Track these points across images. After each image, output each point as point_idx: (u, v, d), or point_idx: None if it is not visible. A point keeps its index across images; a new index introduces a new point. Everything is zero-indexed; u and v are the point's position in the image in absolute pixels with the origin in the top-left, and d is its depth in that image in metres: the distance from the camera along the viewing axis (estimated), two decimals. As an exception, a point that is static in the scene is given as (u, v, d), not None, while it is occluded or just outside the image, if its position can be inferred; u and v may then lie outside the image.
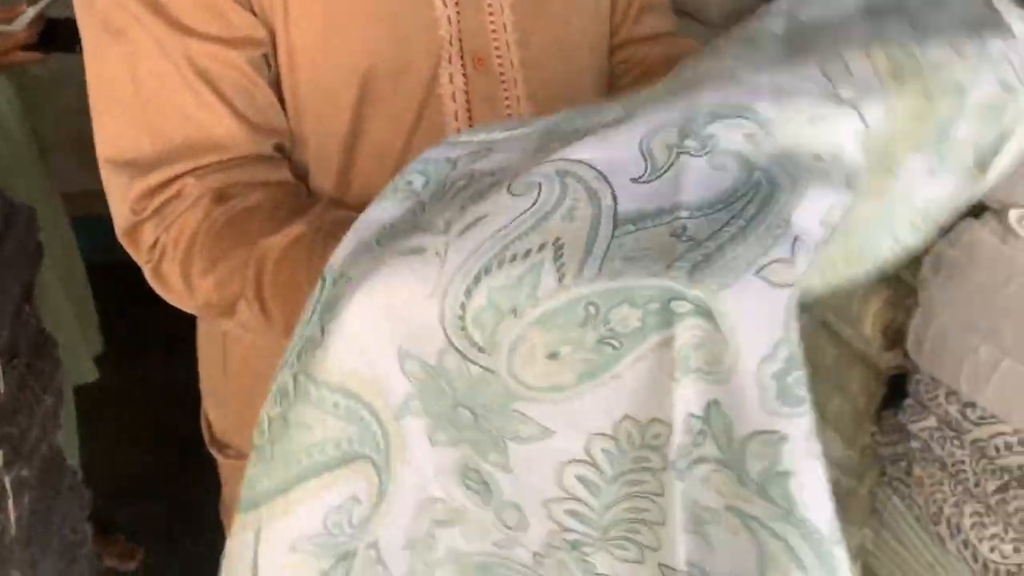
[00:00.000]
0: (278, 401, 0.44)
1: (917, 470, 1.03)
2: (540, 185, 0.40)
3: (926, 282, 1.00)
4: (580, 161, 0.40)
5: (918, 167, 0.56)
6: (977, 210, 0.97)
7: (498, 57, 0.76)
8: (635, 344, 0.38)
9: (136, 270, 0.69)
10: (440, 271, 0.39)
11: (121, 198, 0.67)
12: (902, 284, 1.10)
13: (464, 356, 0.40)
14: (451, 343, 0.40)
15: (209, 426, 0.93)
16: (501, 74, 0.77)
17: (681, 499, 0.41)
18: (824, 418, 1.30)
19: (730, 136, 0.41)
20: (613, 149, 0.41)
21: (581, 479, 0.42)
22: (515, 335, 0.39)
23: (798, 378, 0.38)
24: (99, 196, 0.71)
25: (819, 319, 1.25)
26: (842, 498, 1.24)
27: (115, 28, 0.64)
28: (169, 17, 0.64)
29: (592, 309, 0.38)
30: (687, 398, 0.39)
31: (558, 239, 0.38)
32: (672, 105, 0.43)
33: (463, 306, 0.39)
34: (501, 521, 0.46)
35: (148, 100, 0.65)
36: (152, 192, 0.66)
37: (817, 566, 0.40)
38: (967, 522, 0.95)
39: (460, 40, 0.74)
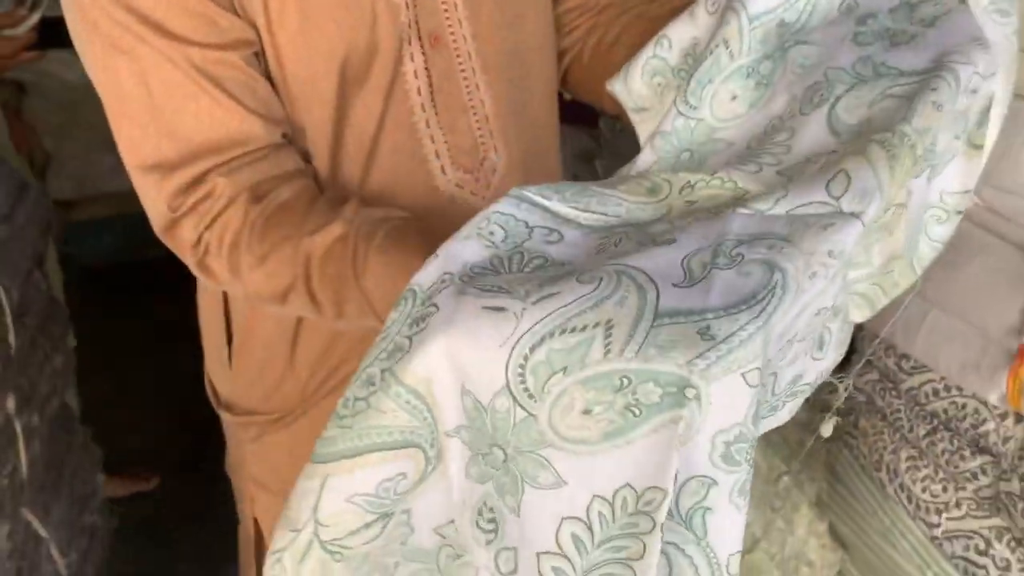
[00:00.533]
0: (365, 386, 0.54)
1: (862, 421, 1.09)
2: (602, 278, 0.50)
3: (866, 243, 1.07)
4: (635, 267, 0.51)
5: (919, 184, 0.66)
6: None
7: (451, 34, 0.82)
8: (652, 415, 0.48)
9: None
10: (515, 329, 0.49)
11: (155, 199, 0.72)
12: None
13: (515, 399, 0.49)
14: (508, 386, 0.49)
15: (215, 391, 0.99)
16: (456, 50, 0.82)
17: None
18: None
19: (755, 250, 0.52)
20: (661, 261, 0.51)
21: (574, 537, 0.51)
22: (561, 388, 0.48)
23: (740, 448, 0.49)
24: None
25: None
26: (805, 456, 1.30)
27: (122, 47, 0.70)
28: (169, 32, 0.70)
29: (626, 380, 0.47)
30: None
31: (609, 320, 0.48)
32: (709, 229, 0.54)
33: (526, 358, 0.49)
34: (496, 565, 0.55)
35: (163, 108, 0.70)
36: (184, 191, 0.72)
37: None
38: (903, 466, 1.01)
39: (417, 22, 0.79)
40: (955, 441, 0.94)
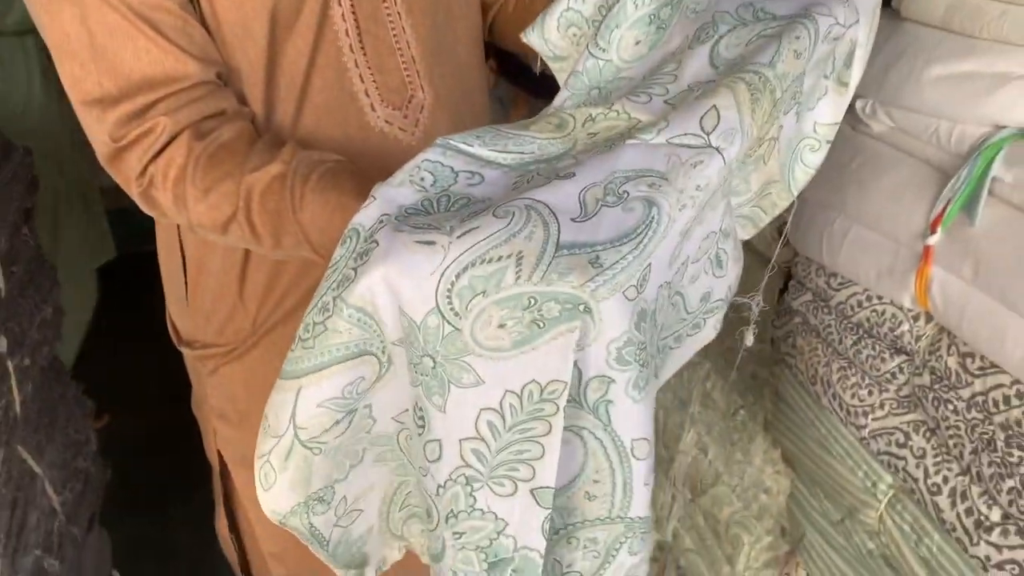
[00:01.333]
0: (320, 312, 0.65)
1: (799, 340, 1.16)
2: (514, 213, 0.61)
3: (795, 173, 1.14)
4: (541, 201, 0.62)
5: (788, 120, 0.76)
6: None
7: None
8: (553, 326, 0.60)
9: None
10: (443, 259, 0.60)
11: (98, 130, 0.79)
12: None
13: (443, 316, 0.60)
14: (437, 306, 0.60)
15: (176, 330, 1.07)
16: None
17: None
18: (741, 316, 1.43)
19: (638, 187, 0.64)
20: (562, 196, 0.62)
21: (490, 424, 0.63)
22: (480, 308, 0.60)
23: (628, 351, 0.62)
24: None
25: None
26: (757, 387, 1.37)
27: None
28: None
29: (532, 300, 0.59)
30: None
31: (520, 252, 0.59)
32: (603, 163, 0.66)
33: (452, 284, 0.59)
34: (425, 454, 0.66)
35: (103, 47, 0.76)
36: (125, 122, 0.77)
37: (618, 463, 0.66)
38: (835, 377, 1.08)
39: None
40: (876, 346, 1.01)
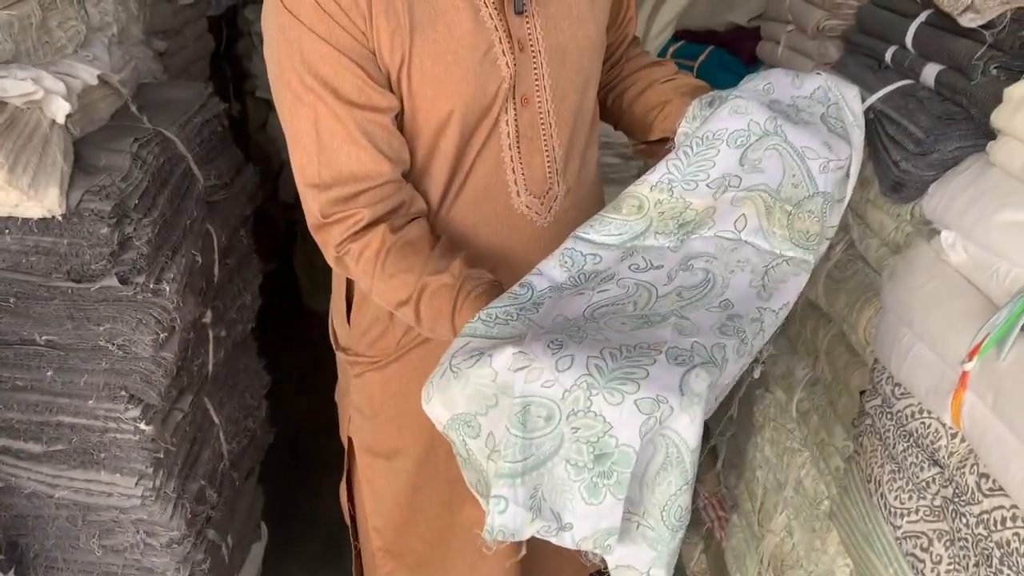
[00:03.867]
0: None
1: (865, 441, 1.26)
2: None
3: (883, 287, 1.24)
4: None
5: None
6: (933, 234, 1.21)
7: (537, 96, 1.08)
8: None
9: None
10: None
11: (311, 207, 1.00)
12: (885, 295, 1.33)
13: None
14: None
15: (335, 336, 1.28)
16: (539, 107, 1.09)
17: None
18: (836, 413, 1.52)
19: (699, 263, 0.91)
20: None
21: (612, 352, 0.82)
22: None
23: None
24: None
25: (841, 329, 1.49)
26: (839, 480, 1.46)
27: (305, 101, 0.97)
28: (342, 96, 0.97)
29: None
30: None
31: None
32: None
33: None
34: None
35: (326, 146, 0.98)
36: (333, 204, 0.99)
37: None
38: (885, 478, 1.17)
39: (514, 87, 1.06)
40: (919, 455, 1.10)
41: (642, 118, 1.21)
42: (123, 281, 1.12)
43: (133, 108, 1.28)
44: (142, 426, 1.16)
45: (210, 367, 1.39)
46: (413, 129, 1.05)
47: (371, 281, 1.02)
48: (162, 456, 1.22)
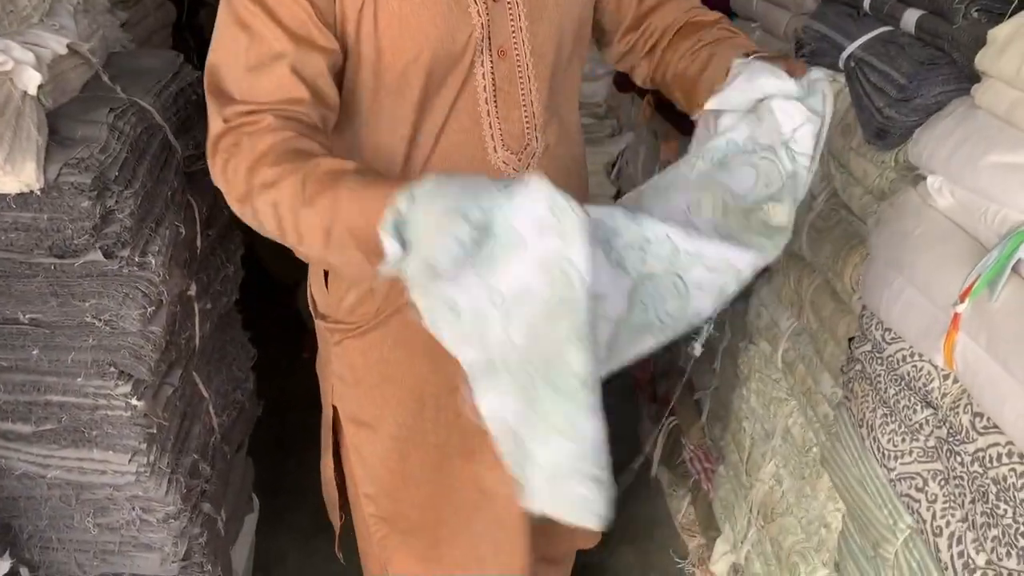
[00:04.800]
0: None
1: (856, 386, 1.27)
2: None
3: (871, 234, 1.25)
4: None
5: None
6: (918, 180, 1.21)
7: (515, 49, 1.06)
8: None
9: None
10: None
11: (213, 116, 0.93)
12: (871, 242, 1.34)
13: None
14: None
15: (314, 303, 1.24)
16: (517, 60, 1.07)
17: None
18: (822, 361, 1.54)
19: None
20: None
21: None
22: None
23: None
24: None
25: (825, 278, 1.50)
26: (828, 428, 1.48)
27: (241, 17, 0.93)
28: (280, 22, 0.93)
29: None
30: None
31: None
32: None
33: None
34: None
35: (250, 67, 0.93)
36: (240, 115, 0.91)
37: None
38: (877, 422, 1.19)
39: (489, 38, 1.03)
40: (912, 398, 1.11)
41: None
42: (108, 255, 1.10)
43: (105, 78, 1.25)
44: (133, 401, 1.14)
45: (197, 340, 1.37)
46: (378, 73, 1.02)
47: (251, 176, 0.90)
48: (155, 431, 1.20)
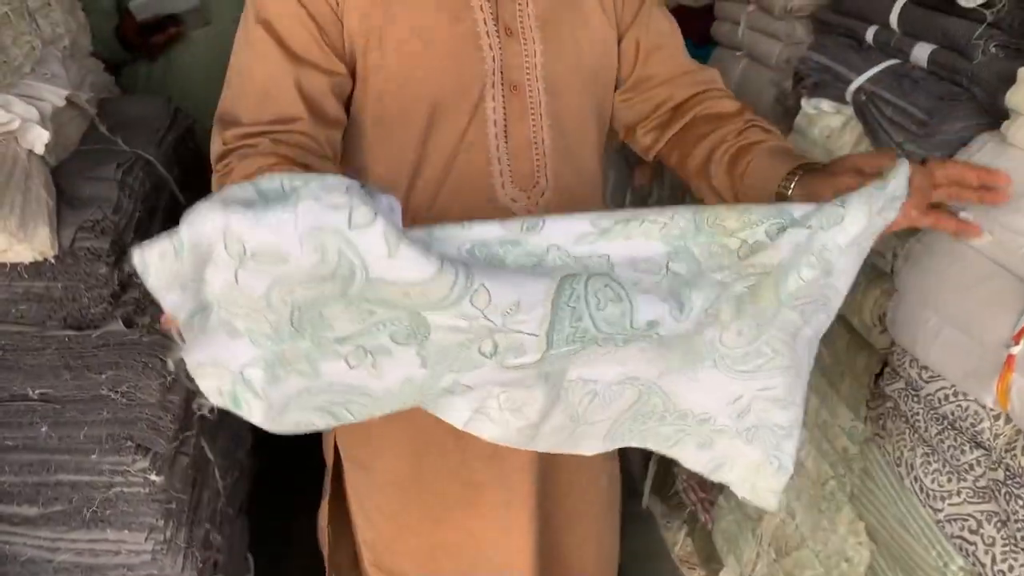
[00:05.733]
0: None
1: (889, 424, 1.26)
2: None
3: (899, 271, 1.25)
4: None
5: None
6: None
7: (528, 87, 1.05)
8: None
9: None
10: None
11: (215, 139, 0.95)
12: (893, 277, 1.33)
13: None
14: None
15: None
16: (530, 97, 1.06)
17: None
18: (838, 395, 1.53)
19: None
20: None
21: None
22: None
23: None
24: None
25: (838, 311, 1.50)
26: (847, 461, 1.47)
27: (251, 47, 0.97)
28: (289, 51, 0.95)
29: None
30: None
31: None
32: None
33: None
34: None
35: (253, 89, 0.96)
36: (240, 137, 0.93)
37: None
38: (918, 461, 1.18)
39: (502, 72, 1.03)
40: (958, 438, 1.11)
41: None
42: (128, 324, 1.02)
43: (103, 128, 1.17)
44: (152, 477, 1.07)
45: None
46: (383, 101, 1.02)
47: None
48: (173, 506, 1.13)
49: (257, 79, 0.96)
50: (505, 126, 1.05)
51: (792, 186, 0.97)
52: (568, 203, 1.12)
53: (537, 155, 1.08)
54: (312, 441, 1.28)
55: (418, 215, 1.04)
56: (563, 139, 1.10)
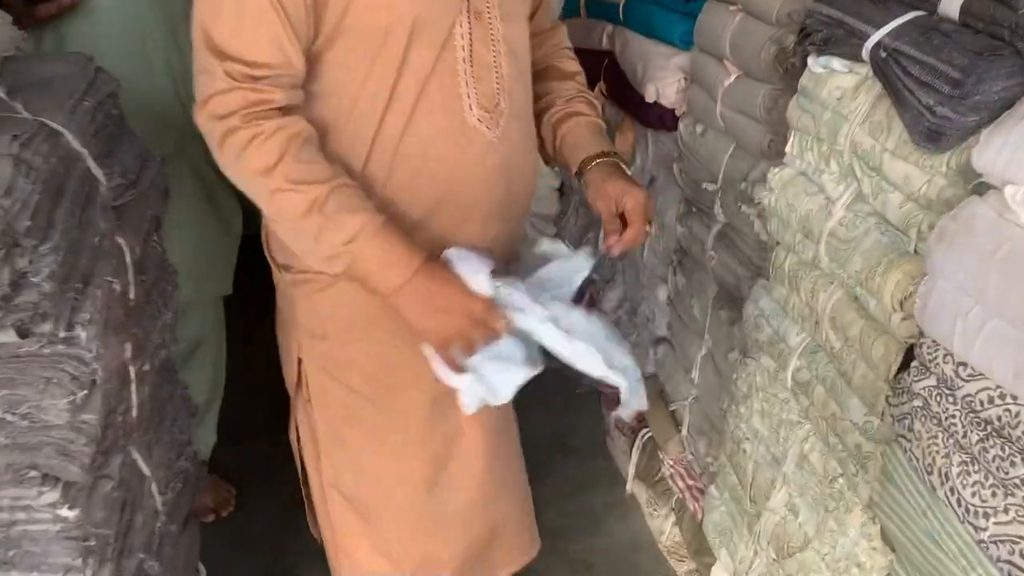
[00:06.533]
0: None
1: (917, 425, 1.12)
2: None
3: (931, 251, 1.09)
4: None
5: None
6: (981, 188, 1.06)
7: (488, 14, 1.18)
8: None
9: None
10: None
11: (214, 72, 1.01)
12: (919, 258, 1.18)
13: None
14: None
15: (273, 257, 1.26)
16: (489, 23, 1.19)
17: None
18: (850, 385, 1.39)
19: None
20: None
21: None
22: None
23: None
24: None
25: (850, 293, 1.35)
26: (861, 459, 1.33)
27: None
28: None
29: None
30: None
31: None
32: None
33: None
34: None
35: (247, 22, 1.01)
36: (243, 77, 1.01)
37: None
38: (955, 471, 1.04)
39: (468, 3, 1.15)
40: (1006, 448, 0.97)
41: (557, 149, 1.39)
42: (23, 334, 0.84)
43: (1, 93, 0.98)
44: (63, 512, 0.89)
45: (135, 412, 1.12)
46: (362, 32, 1.09)
47: (274, 163, 1.03)
48: (92, 543, 0.95)
49: (251, 10, 1.02)
50: (470, 51, 1.17)
51: (589, 168, 1.30)
52: (520, 123, 1.28)
53: (497, 78, 1.21)
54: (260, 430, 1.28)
55: (392, 137, 1.15)
56: (516, 63, 1.24)
